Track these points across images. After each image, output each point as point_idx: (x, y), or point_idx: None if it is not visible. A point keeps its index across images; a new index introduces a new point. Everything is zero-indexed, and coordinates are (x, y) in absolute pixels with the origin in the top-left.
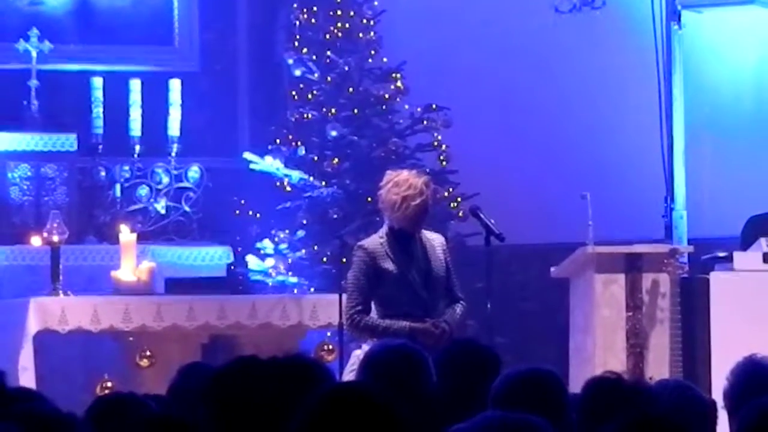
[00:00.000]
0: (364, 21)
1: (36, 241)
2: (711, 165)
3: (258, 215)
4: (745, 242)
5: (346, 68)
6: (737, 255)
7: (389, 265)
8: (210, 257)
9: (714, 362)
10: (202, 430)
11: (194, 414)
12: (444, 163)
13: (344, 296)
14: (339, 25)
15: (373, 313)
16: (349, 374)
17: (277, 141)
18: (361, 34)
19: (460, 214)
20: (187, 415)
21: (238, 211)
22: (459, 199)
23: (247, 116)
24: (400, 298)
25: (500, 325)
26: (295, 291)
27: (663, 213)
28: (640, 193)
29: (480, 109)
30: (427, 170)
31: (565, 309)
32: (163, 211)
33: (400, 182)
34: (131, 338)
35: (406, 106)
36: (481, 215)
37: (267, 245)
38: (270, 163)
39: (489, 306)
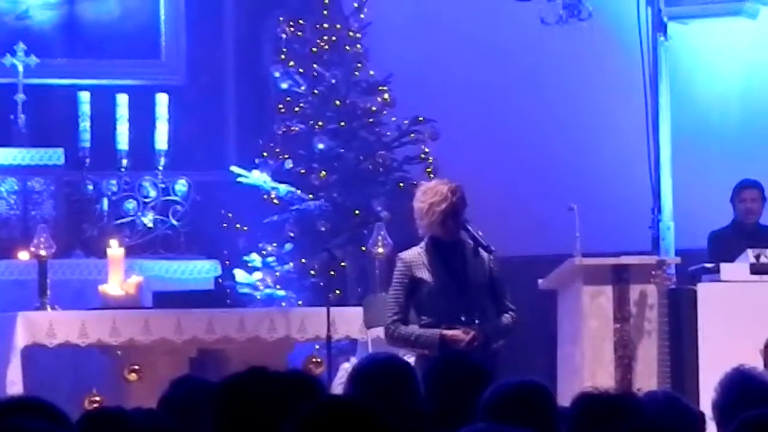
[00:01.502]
0: (351, 34)
1: (23, 255)
2: (698, 176)
3: (245, 228)
4: (712, 257)
5: (333, 81)
6: (724, 266)
7: (426, 275)
8: (198, 271)
9: (702, 373)
10: None
11: (185, 426)
12: (431, 175)
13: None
14: (325, 38)
15: (412, 321)
16: (337, 387)
17: (265, 154)
18: (347, 47)
19: None
20: (179, 428)
21: (225, 225)
22: None
23: (234, 129)
24: (436, 307)
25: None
26: (283, 304)
27: (650, 224)
28: (627, 204)
29: (467, 122)
30: (414, 182)
31: (553, 320)
32: (150, 225)
33: (427, 190)
34: (119, 352)
35: (393, 119)
36: (469, 227)
37: (255, 258)
38: (257, 177)
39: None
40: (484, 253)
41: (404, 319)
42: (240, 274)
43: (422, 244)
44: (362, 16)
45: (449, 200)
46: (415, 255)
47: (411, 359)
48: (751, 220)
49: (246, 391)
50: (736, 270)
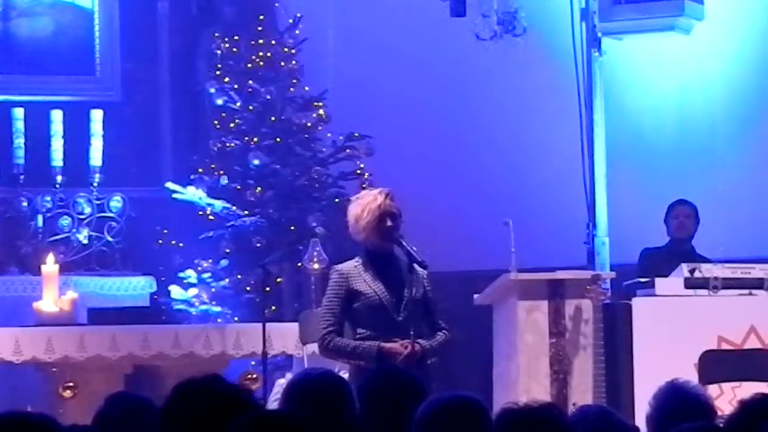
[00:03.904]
0: (286, 50)
1: None
2: (632, 191)
3: (181, 245)
4: (641, 274)
5: (268, 97)
6: (659, 281)
7: (363, 287)
8: (133, 287)
9: (637, 387)
10: None
11: None
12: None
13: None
14: (261, 54)
15: (347, 335)
16: (273, 403)
17: (200, 170)
18: (282, 63)
19: None
20: None
21: (160, 241)
22: None
23: (170, 146)
24: (373, 320)
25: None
26: (219, 320)
27: (585, 239)
28: (563, 219)
29: (402, 137)
30: (350, 198)
31: (488, 336)
32: (85, 242)
33: (360, 197)
34: (54, 369)
35: (329, 135)
36: (404, 243)
37: (190, 275)
38: (193, 193)
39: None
40: (419, 269)
41: (339, 330)
42: (175, 291)
43: (357, 258)
44: (297, 32)
45: (383, 200)
46: (351, 267)
47: (344, 374)
48: (683, 236)
49: (184, 407)
50: (670, 284)
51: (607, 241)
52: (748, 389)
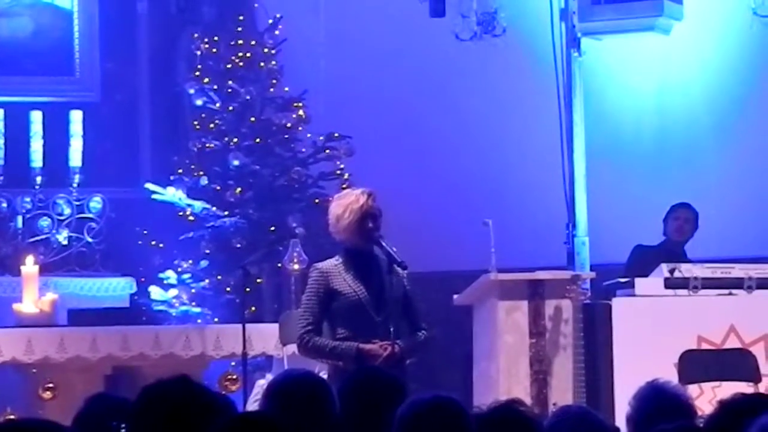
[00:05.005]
0: (266, 50)
1: None
2: (612, 191)
3: (161, 245)
4: (630, 269)
5: (248, 97)
6: (639, 281)
7: (342, 287)
8: (113, 288)
9: (617, 387)
10: None
11: None
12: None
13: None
14: (240, 54)
15: (325, 334)
16: (253, 404)
17: (180, 171)
18: (262, 64)
19: None
20: None
21: (140, 242)
22: None
23: (149, 146)
24: (352, 320)
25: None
26: (199, 321)
27: (565, 239)
28: (542, 219)
29: (382, 138)
30: (330, 198)
31: (468, 336)
32: (65, 243)
33: (342, 196)
34: (34, 370)
35: (309, 135)
36: (383, 243)
37: (170, 275)
38: (172, 193)
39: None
40: (398, 270)
41: (318, 329)
42: (155, 292)
43: (337, 256)
44: (277, 32)
45: (365, 201)
46: (332, 266)
47: (323, 374)
48: (680, 239)
49: (152, 410)
50: (650, 284)
51: (587, 241)
52: (728, 389)
